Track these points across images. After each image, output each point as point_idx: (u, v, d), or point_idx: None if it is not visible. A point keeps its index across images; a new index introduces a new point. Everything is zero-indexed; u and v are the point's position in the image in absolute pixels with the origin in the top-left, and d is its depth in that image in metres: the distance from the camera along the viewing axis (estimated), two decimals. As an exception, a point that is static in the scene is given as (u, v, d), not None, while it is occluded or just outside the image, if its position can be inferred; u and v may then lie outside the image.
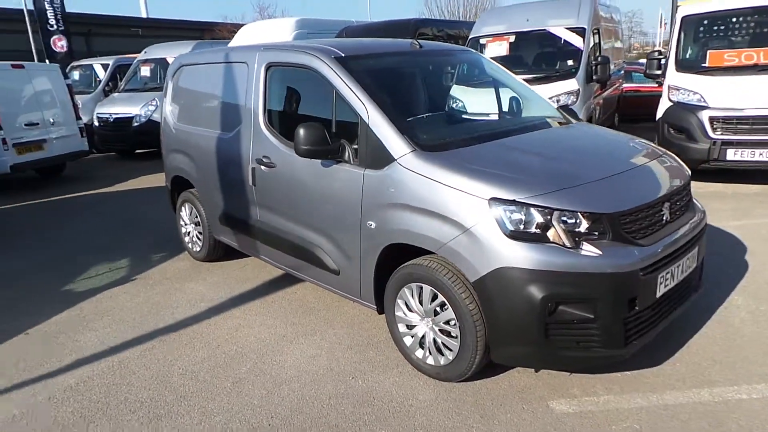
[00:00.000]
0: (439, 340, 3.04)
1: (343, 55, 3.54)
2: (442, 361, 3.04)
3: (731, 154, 6.56)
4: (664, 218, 2.94)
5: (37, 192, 9.02)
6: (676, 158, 3.53)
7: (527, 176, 2.81)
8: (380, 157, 3.13)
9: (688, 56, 7.36)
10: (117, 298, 4.53)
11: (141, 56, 12.90)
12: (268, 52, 4.00)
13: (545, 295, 2.58)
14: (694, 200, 3.44)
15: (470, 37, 9.15)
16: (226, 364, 3.44)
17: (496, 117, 3.96)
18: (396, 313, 3.25)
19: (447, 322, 2.95)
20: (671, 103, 7.10)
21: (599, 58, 8.08)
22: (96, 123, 11.70)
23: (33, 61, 15.08)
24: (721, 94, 6.65)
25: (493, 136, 3.32)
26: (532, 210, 2.65)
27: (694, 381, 2.99)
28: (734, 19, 7.25)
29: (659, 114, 7.27)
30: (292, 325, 3.91)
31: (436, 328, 3.03)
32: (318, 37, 11.42)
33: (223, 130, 4.41)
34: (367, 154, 3.21)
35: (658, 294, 2.80)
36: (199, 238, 5.17)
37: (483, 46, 8.90)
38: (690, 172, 3.42)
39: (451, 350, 2.98)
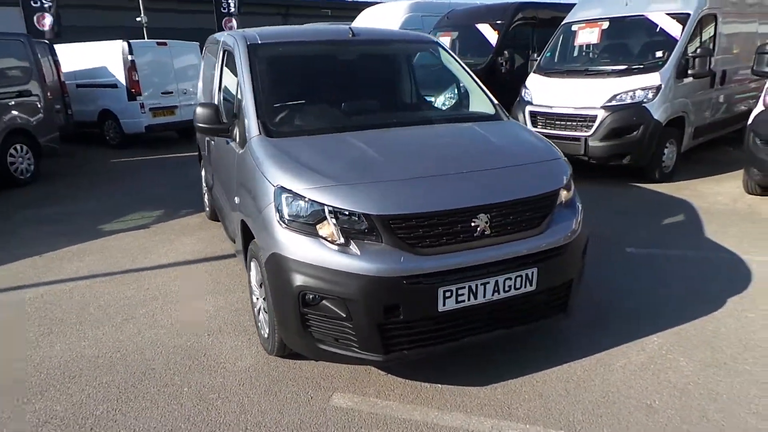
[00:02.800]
0: (262, 315, 3.22)
1: (258, 41, 3.78)
2: (265, 334, 3.22)
3: (824, 177, 5.21)
4: (478, 230, 2.68)
5: (163, 149, 10.77)
6: (560, 167, 3.09)
7: (321, 169, 2.79)
8: (244, 138, 3.35)
9: (801, 50, 5.93)
10: (122, 240, 5.44)
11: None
12: (227, 37, 4.39)
13: (299, 285, 2.61)
14: (574, 219, 2.98)
15: (563, 22, 8.42)
16: (135, 305, 4.02)
17: (382, 110, 3.83)
18: (251, 283, 3.48)
19: (264, 298, 3.11)
20: (763, 109, 5.83)
21: (698, 50, 6.86)
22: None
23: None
24: (826, 99, 5.29)
25: (352, 128, 3.29)
26: (306, 202, 2.67)
27: (493, 410, 2.72)
28: None
29: (750, 120, 6.02)
30: (216, 283, 4.35)
31: (263, 303, 3.21)
32: (430, 19, 11.52)
33: (206, 105, 4.96)
34: (240, 134, 3.45)
35: (443, 308, 2.61)
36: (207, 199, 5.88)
37: (574, 33, 8.14)
38: (562, 184, 2.97)
39: (267, 325, 3.14)
